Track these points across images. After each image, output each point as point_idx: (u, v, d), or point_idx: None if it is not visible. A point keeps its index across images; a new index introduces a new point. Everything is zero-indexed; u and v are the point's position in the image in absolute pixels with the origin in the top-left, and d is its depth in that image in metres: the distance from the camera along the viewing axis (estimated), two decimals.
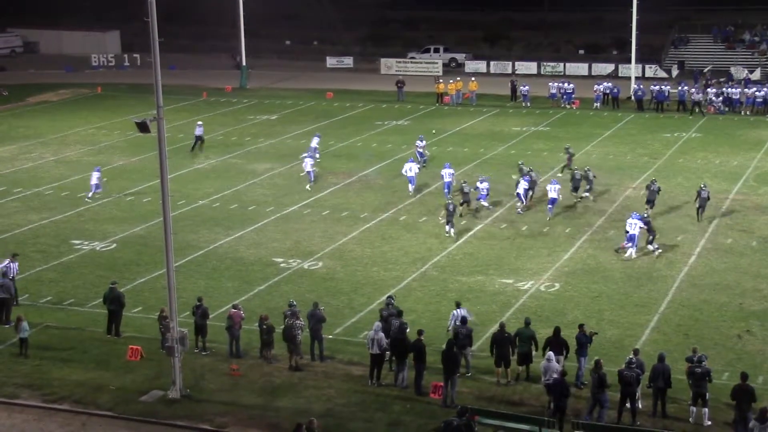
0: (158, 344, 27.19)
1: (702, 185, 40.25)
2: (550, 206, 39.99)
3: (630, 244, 35.04)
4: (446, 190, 42.53)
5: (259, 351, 27.17)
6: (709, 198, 39.47)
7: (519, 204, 40.96)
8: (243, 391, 25.34)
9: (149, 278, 33.34)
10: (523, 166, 43.63)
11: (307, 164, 45.79)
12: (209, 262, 35.18)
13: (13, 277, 30.96)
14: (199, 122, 54.89)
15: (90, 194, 43.51)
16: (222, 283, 33.08)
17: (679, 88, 64.94)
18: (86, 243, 37.37)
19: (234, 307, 27.80)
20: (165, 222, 25.09)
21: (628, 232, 35.20)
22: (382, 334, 25.72)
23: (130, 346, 27.32)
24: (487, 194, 40.88)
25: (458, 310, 27.42)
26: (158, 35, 24.02)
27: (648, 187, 40.92)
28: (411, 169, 44.25)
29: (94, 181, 43.74)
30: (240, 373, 26.18)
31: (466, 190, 40.36)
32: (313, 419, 21.38)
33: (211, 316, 28.15)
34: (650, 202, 40.07)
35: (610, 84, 67.36)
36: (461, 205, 39.82)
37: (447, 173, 42.91)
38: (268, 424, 23.67)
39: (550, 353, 24.61)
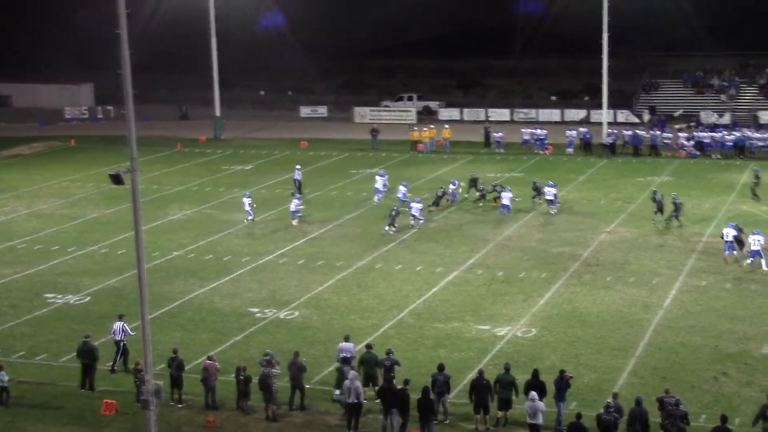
0: (133, 398, 26.89)
1: (673, 194, 46.20)
2: (503, 210, 47.55)
3: (756, 259, 38.34)
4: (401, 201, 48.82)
5: (236, 402, 26.98)
6: (682, 203, 45.32)
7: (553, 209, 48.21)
8: None
9: None
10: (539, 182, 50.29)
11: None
12: (184, 314, 34.98)
13: (121, 338, 30.00)
14: (298, 166, 55.60)
15: (250, 218, 47.75)
16: (197, 334, 32.87)
17: (652, 132, 65.81)
18: (59, 296, 37.09)
19: (209, 358, 27.62)
20: (140, 274, 24.95)
21: (752, 248, 38.39)
22: (358, 383, 25.63)
23: (105, 400, 27.05)
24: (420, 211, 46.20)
25: (345, 343, 28.30)
26: (132, 87, 24.05)
27: (653, 198, 46.08)
28: (378, 181, 51.79)
29: (246, 207, 47.80)
30: (216, 425, 25.95)
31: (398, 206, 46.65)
32: None
33: (186, 368, 27.97)
34: (660, 210, 45.22)
35: (584, 129, 67.92)
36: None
37: (402, 191, 49.97)
38: None
39: (533, 393, 24.61)
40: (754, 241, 38.45)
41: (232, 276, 39.37)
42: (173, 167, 64.24)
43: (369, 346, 28.45)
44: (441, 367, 26.40)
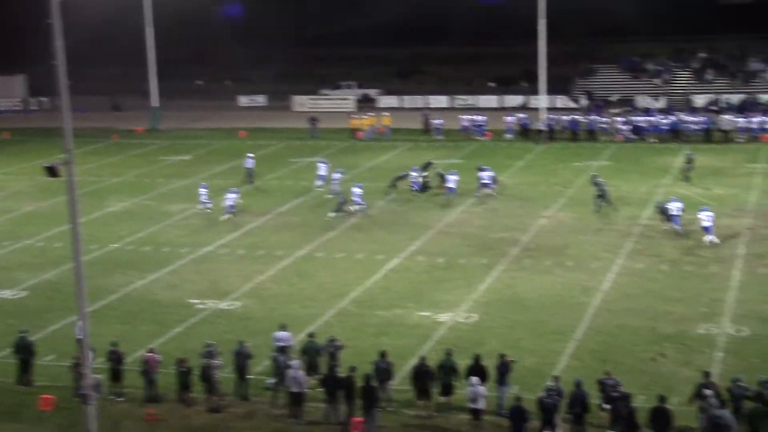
0: (72, 392, 26.58)
1: (602, 181, 46.43)
2: (448, 193, 48.11)
3: (708, 235, 39.68)
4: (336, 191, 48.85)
5: (177, 394, 26.79)
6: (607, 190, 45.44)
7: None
8: None
9: (62, 325, 32.61)
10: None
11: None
12: (124, 306, 34.62)
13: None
14: (250, 154, 55.16)
15: (209, 207, 46.91)
16: (137, 326, 32.55)
17: (589, 117, 66.54)
18: None
19: (150, 351, 27.38)
20: (77, 267, 24.63)
21: (703, 224, 39.87)
22: (301, 372, 25.60)
23: (43, 396, 26.66)
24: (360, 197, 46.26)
25: (281, 332, 28.22)
26: (66, 78, 23.69)
27: (595, 183, 45.95)
28: (320, 168, 52.08)
29: (202, 198, 46.94)
30: (157, 417, 25.75)
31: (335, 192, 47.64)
32: None
33: (126, 361, 27.69)
34: (602, 195, 45.05)
35: (523, 115, 68.34)
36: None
37: (336, 178, 49.90)
38: None
39: (474, 378, 24.75)
40: (706, 218, 39.87)
41: (172, 267, 39.05)
42: (110, 159, 63.54)
43: (311, 335, 28.40)
44: (383, 354, 26.44)
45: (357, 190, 46.49)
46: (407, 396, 26.16)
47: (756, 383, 24.05)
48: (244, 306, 34.38)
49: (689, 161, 52.19)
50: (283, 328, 28.58)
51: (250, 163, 54.16)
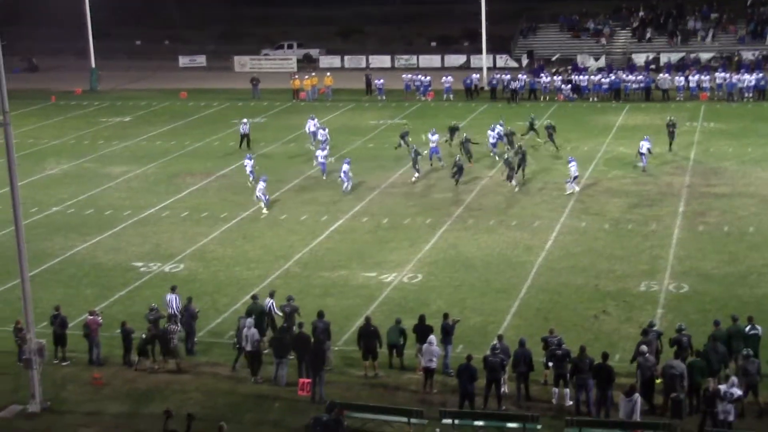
0: (15, 357, 26.31)
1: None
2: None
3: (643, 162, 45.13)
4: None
5: (122, 357, 26.68)
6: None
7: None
8: (107, 399, 24.80)
9: (2, 290, 32.22)
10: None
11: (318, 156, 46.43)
12: (66, 270, 34.26)
13: (175, 312, 27.77)
14: (245, 120, 53.60)
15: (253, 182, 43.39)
16: (80, 290, 32.26)
17: (532, 77, 66.76)
18: None
19: (90, 313, 27.16)
20: (17, 230, 24.34)
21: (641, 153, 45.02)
22: (254, 330, 25.59)
23: None
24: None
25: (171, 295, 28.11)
26: (0, 38, 23.23)
27: (517, 152, 44.88)
28: (309, 124, 51.97)
29: (248, 170, 44.27)
30: (103, 381, 25.62)
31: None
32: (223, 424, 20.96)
33: (70, 325, 27.47)
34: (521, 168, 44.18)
35: (475, 75, 67.98)
36: None
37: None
38: (135, 431, 23.24)
39: (432, 337, 24.90)
40: (642, 146, 44.85)
41: (114, 230, 38.68)
42: (48, 120, 62.55)
43: (255, 297, 28.33)
44: (320, 314, 26.37)
45: (345, 166, 43.26)
46: (354, 356, 26.26)
47: (675, 331, 24.66)
48: (188, 268, 34.18)
49: (673, 126, 49.30)
50: (271, 295, 28.26)
51: (244, 128, 52.26)
